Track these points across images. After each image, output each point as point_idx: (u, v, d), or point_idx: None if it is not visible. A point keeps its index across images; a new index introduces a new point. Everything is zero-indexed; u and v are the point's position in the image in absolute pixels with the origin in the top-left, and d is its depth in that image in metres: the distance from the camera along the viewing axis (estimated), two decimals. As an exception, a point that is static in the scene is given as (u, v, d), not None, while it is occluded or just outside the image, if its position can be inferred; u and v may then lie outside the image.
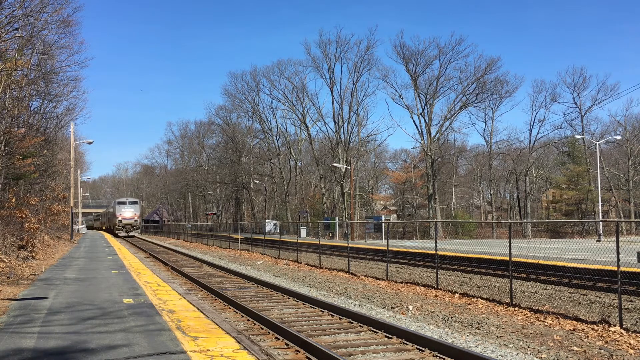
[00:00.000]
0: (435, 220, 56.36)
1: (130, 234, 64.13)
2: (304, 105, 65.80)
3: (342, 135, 61.99)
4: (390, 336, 9.07)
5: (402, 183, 75.87)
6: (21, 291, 12.14)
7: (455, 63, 61.50)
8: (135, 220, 65.41)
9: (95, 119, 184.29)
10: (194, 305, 10.07)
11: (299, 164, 75.18)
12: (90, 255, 24.77)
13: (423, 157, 64.97)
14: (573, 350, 8.40)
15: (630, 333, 9.51)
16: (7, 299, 10.83)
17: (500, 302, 12.85)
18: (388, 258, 19.32)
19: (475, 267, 19.78)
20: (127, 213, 64.42)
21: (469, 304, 12.80)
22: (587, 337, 9.33)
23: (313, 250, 28.04)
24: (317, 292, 14.99)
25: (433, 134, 61.53)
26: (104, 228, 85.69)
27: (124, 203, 66.27)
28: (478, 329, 9.95)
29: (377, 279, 18.18)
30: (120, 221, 63.83)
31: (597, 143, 50.91)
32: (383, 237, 39.41)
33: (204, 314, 9.14)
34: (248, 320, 10.83)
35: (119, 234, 63.24)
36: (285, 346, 8.60)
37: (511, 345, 8.66)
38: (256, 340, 8.90)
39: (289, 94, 66.28)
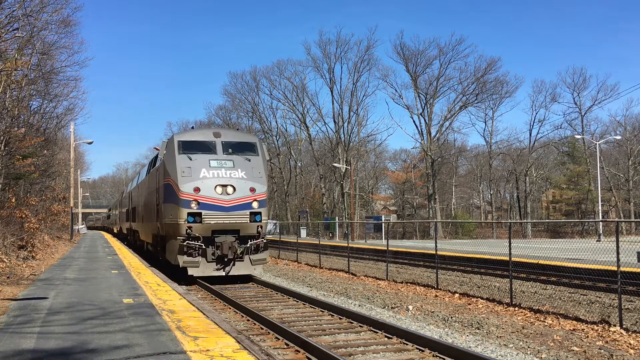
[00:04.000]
0: (435, 220, 56.37)
1: (240, 272, 16.14)
2: (304, 105, 65.88)
3: (342, 135, 62.03)
4: (390, 336, 9.07)
5: (402, 183, 75.87)
6: (21, 291, 12.14)
7: (455, 63, 61.73)
8: (253, 214, 15.87)
9: (95, 119, 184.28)
10: (193, 305, 10.06)
11: (299, 164, 75.19)
12: (90, 255, 24.77)
13: (423, 157, 64.99)
14: (573, 350, 8.40)
15: (630, 333, 9.51)
16: (7, 299, 10.82)
17: (500, 302, 12.86)
18: (388, 258, 19.32)
19: (475, 267, 19.79)
20: (221, 185, 15.59)
21: (469, 304, 12.80)
22: (587, 337, 9.34)
23: (313, 250, 28.03)
24: (317, 292, 14.99)
25: (433, 134, 61.57)
26: (118, 231, 44.99)
27: (206, 148, 16.37)
28: (478, 329, 9.95)
29: (377, 279, 18.18)
30: (198, 219, 15.42)
31: (597, 143, 50.90)
32: (383, 237, 39.39)
33: (204, 314, 9.14)
34: (248, 320, 10.83)
35: (189, 268, 15.53)
36: (285, 346, 8.60)
37: (511, 345, 8.66)
38: (256, 340, 8.90)
39: (289, 94, 66.38)
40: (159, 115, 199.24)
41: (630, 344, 8.81)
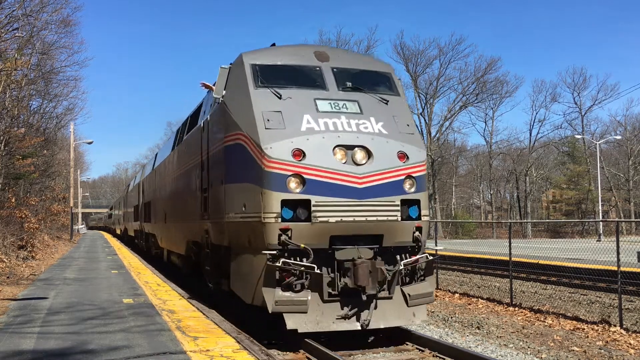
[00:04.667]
0: (435, 220, 56.42)
1: (389, 323, 7.85)
2: (304, 105, 65.71)
3: (342, 135, 62.00)
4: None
5: (402, 183, 75.76)
6: (21, 291, 12.13)
7: (455, 63, 61.91)
8: (407, 202, 8.10)
9: (95, 119, 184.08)
10: (193, 306, 10.05)
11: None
12: (90, 255, 24.76)
13: (423, 157, 64.96)
14: (573, 350, 8.40)
15: (630, 333, 9.51)
16: (6, 299, 10.82)
17: (500, 302, 12.86)
18: (388, 258, 19.25)
19: (475, 267, 19.80)
20: (343, 146, 7.77)
21: (469, 304, 12.80)
22: (587, 337, 9.33)
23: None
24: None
25: (433, 134, 61.63)
26: (122, 232, 37.71)
27: (306, 78, 8.64)
28: (478, 329, 9.95)
29: (377, 279, 18.15)
30: (303, 212, 7.61)
31: (597, 143, 50.92)
32: (383, 237, 39.31)
33: (204, 314, 9.13)
34: (248, 320, 10.77)
35: (287, 316, 7.49)
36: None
37: (511, 345, 8.65)
38: (256, 340, 8.88)
39: (289, 94, 66.21)
40: (159, 115, 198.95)
41: (630, 344, 8.81)
